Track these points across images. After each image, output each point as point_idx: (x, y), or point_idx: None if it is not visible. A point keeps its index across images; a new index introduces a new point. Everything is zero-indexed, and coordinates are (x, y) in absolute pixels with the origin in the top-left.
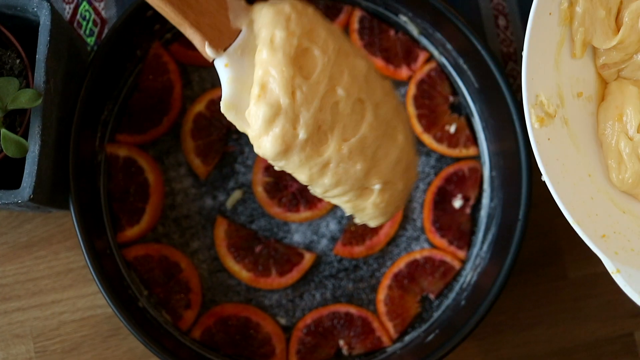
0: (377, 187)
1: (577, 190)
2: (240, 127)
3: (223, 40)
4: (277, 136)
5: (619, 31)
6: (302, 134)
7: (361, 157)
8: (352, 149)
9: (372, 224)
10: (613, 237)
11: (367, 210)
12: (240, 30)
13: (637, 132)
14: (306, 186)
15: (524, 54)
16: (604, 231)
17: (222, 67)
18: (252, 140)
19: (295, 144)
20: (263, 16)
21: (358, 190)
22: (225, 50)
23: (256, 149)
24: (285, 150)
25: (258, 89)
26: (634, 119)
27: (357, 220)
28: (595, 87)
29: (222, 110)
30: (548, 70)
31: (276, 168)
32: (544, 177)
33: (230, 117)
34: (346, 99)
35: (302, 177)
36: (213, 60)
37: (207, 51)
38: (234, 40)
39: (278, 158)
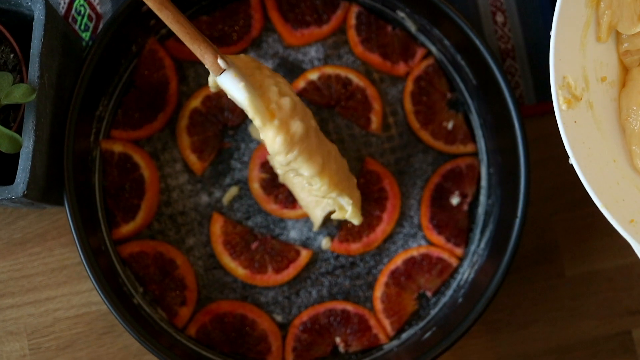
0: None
1: (603, 175)
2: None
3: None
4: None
5: None
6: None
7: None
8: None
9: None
10: None
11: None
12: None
13: None
14: None
15: (552, 34)
16: (632, 216)
17: (232, 77)
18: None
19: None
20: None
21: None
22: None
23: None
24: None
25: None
26: None
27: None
28: (617, 73)
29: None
30: (574, 52)
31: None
32: (572, 160)
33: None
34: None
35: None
36: (221, 74)
37: (220, 62)
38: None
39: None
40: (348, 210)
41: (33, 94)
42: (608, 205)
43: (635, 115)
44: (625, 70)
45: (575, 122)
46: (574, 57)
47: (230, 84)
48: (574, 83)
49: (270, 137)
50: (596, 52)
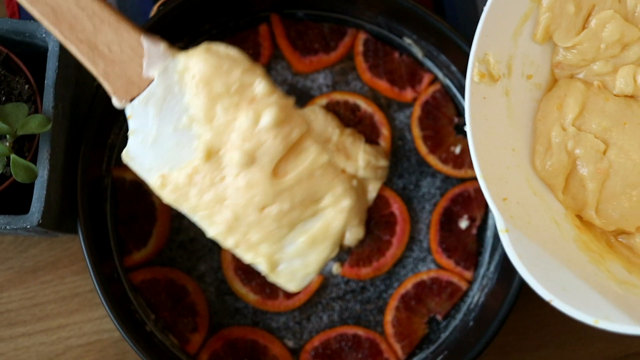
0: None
1: (495, 154)
2: (141, 176)
3: (131, 89)
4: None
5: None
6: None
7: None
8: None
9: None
10: (515, 205)
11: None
12: (152, 79)
13: (572, 125)
14: None
15: (486, 8)
16: (507, 195)
17: (127, 116)
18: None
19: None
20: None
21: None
22: (132, 100)
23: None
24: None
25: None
26: (572, 111)
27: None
28: (546, 78)
29: (123, 159)
30: (505, 37)
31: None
32: (467, 127)
33: (130, 165)
34: None
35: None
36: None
37: (113, 101)
38: (143, 90)
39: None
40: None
41: (48, 125)
42: (487, 178)
43: (549, 117)
44: (554, 78)
45: (484, 98)
46: (502, 41)
47: (129, 123)
48: (494, 63)
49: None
50: (529, 49)
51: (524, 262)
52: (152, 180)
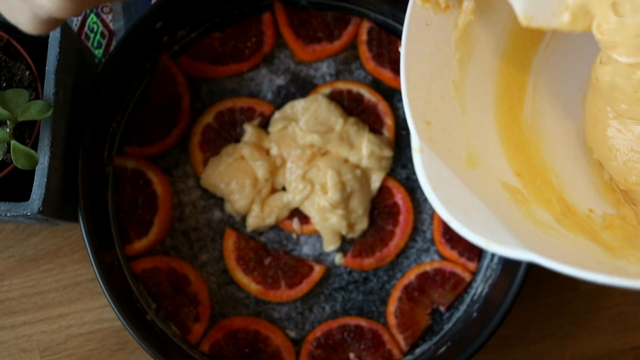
0: None
1: (430, 80)
2: (553, 28)
3: None
4: None
5: None
6: None
7: None
8: None
9: None
10: (439, 131)
11: None
12: None
13: None
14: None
15: None
16: (432, 120)
17: None
18: None
19: None
20: None
21: None
22: None
23: None
24: None
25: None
26: None
27: None
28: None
29: (524, 24)
30: None
31: None
32: (401, 48)
33: (535, 25)
34: None
35: None
36: None
37: None
38: None
39: None
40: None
41: (49, 111)
42: (412, 98)
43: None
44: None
45: (427, 24)
46: None
47: None
48: None
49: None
50: None
51: (431, 182)
52: (564, 18)
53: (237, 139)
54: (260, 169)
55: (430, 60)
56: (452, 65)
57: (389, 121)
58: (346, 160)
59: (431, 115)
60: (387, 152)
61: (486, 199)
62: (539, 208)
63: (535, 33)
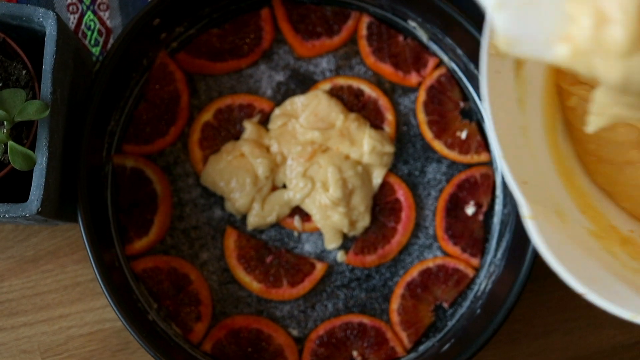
0: None
1: (509, 128)
2: (539, 54)
3: None
4: None
5: None
6: None
7: None
8: None
9: None
10: (535, 191)
11: None
12: None
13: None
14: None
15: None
16: (526, 178)
17: None
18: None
19: None
20: None
21: None
22: None
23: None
24: None
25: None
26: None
27: None
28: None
29: (502, 47)
30: None
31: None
32: (485, 103)
33: (517, 52)
34: None
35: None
36: None
37: None
38: None
39: None
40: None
41: (46, 110)
42: (508, 159)
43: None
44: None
45: (497, 72)
46: None
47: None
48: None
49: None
50: None
51: (553, 252)
52: (559, 52)
53: (236, 136)
54: (260, 167)
55: (506, 111)
56: (516, 109)
57: (389, 116)
58: (347, 157)
59: (524, 173)
60: (389, 148)
61: (590, 254)
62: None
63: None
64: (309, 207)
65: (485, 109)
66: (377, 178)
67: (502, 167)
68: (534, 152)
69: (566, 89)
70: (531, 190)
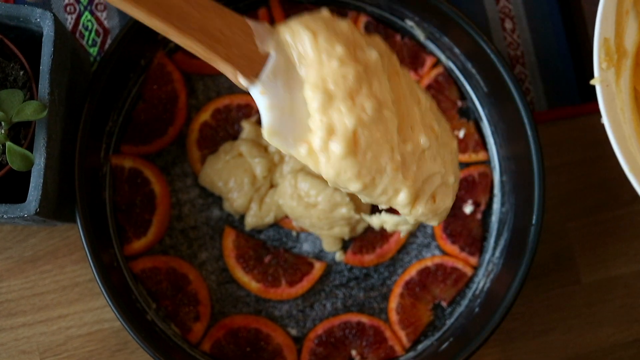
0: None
1: (626, 144)
2: (286, 151)
3: (254, 67)
4: (362, 175)
5: None
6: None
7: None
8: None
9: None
10: None
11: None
12: (269, 54)
13: None
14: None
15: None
16: None
17: (259, 95)
18: (318, 168)
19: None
20: (299, 37)
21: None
22: (257, 77)
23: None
24: (370, 183)
25: (324, 133)
26: None
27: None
28: None
29: (266, 137)
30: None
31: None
32: (604, 120)
33: (274, 143)
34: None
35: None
36: (249, 90)
37: (241, 81)
38: (264, 66)
39: (362, 192)
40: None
41: (44, 111)
42: (637, 174)
43: None
44: None
45: (607, 86)
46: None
47: (257, 101)
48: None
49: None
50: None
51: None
52: (300, 150)
53: (234, 136)
54: (258, 166)
55: (620, 124)
56: (622, 120)
57: None
58: None
59: None
60: None
61: None
62: None
63: None
64: (304, 224)
65: (605, 124)
66: None
67: (634, 184)
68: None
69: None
70: None
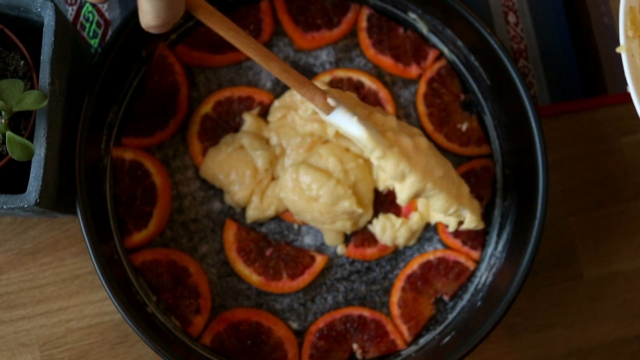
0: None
1: None
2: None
3: (328, 110)
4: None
5: None
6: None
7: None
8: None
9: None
10: None
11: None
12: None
13: None
14: None
15: None
16: None
17: (344, 113)
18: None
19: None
20: None
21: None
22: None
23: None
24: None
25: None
26: None
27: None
28: None
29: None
30: None
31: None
32: (630, 89)
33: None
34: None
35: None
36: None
37: (330, 102)
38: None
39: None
40: (467, 219)
41: (45, 101)
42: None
43: None
44: None
45: (633, 55)
46: None
47: (343, 121)
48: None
49: (391, 165)
50: None
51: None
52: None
53: (236, 129)
54: (260, 159)
55: None
56: None
57: (389, 109)
58: (347, 149)
59: None
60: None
61: None
62: None
63: None
64: (307, 219)
65: (631, 92)
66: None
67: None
68: None
69: None
70: None
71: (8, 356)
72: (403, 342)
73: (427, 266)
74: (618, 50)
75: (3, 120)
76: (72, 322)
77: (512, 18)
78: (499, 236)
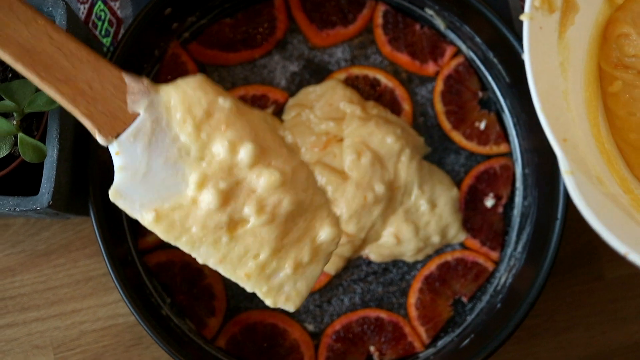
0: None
1: (551, 93)
2: (131, 214)
3: (116, 125)
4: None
5: None
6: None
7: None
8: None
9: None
10: (573, 150)
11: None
12: (138, 114)
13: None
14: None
15: None
16: (565, 136)
17: (114, 153)
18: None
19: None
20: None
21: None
22: (117, 137)
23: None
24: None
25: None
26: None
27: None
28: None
29: (110, 197)
30: None
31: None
32: (525, 56)
33: (118, 204)
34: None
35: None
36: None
37: (98, 139)
38: (129, 125)
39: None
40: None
41: (56, 102)
42: (547, 115)
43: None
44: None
45: (540, 28)
46: None
47: (113, 158)
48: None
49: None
50: None
51: (592, 209)
52: (146, 216)
53: None
54: None
55: (548, 71)
56: (558, 73)
57: (406, 107)
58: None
59: (563, 131)
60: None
61: (627, 211)
62: None
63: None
64: None
65: (525, 60)
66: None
67: (541, 121)
68: (574, 118)
69: (609, 72)
70: (570, 150)
71: (22, 358)
72: (421, 345)
73: (445, 267)
74: (521, 17)
75: (15, 122)
76: (86, 324)
77: None
78: (518, 237)
